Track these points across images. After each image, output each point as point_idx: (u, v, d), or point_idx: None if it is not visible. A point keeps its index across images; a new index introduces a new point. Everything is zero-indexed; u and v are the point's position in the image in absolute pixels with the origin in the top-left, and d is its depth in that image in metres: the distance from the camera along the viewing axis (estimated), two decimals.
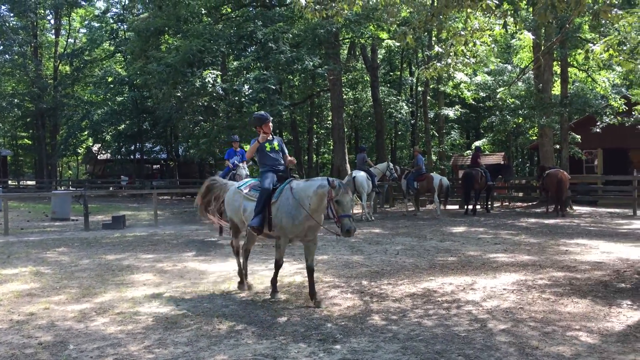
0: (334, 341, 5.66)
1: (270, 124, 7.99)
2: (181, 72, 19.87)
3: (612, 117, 22.33)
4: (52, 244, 13.54)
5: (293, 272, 9.55)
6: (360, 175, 17.68)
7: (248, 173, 12.93)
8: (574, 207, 21.61)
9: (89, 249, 12.64)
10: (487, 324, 6.12)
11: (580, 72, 26.01)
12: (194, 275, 9.37)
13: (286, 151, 8.11)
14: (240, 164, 13.04)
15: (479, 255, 10.68)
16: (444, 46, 9.51)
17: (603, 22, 21.75)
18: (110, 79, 39.57)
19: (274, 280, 7.63)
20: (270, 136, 7.91)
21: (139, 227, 17.60)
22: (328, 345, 5.55)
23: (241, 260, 8.28)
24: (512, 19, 8.53)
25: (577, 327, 5.88)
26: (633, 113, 22.26)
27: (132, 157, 44.69)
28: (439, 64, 9.64)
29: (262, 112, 8.29)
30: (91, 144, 48.91)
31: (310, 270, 7.31)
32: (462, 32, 8.54)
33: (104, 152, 47.30)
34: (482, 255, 10.67)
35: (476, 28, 8.08)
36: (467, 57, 10.25)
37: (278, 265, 7.56)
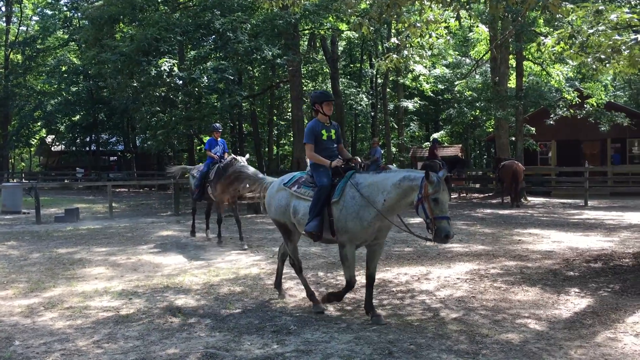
0: (287, 332, 5.63)
1: (332, 106, 6.65)
2: (136, 61, 19.44)
3: (565, 109, 22.87)
4: (1, 238, 13.11)
5: (250, 263, 9.49)
6: None
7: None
8: (529, 198, 22.10)
9: (40, 243, 12.29)
10: (440, 313, 6.20)
11: (535, 65, 26.53)
12: (148, 269, 9.21)
13: (342, 141, 6.85)
14: (240, 158, 11.66)
15: (434, 246, 10.76)
16: (400, 38, 9.53)
17: (557, 16, 22.26)
18: (64, 68, 38.49)
19: (333, 297, 6.36)
20: (328, 120, 6.60)
21: (93, 220, 17.21)
22: (282, 336, 5.52)
23: (303, 275, 7.03)
24: (465, 12, 8.59)
25: (526, 314, 6.00)
26: (585, 106, 22.83)
27: (87, 148, 43.70)
28: (395, 56, 9.68)
29: (324, 90, 7.09)
30: (44, 135, 47.60)
31: (370, 279, 6.18)
32: (418, 24, 8.58)
33: (58, 143, 46.07)
34: (437, 246, 10.77)
35: (431, 20, 8.12)
36: (424, 49, 10.34)
37: (349, 286, 6.15)
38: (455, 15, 8.57)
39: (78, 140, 42.83)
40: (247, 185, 10.78)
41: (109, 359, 5.06)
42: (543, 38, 9.11)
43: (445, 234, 5.36)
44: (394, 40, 9.49)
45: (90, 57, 23.65)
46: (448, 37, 10.18)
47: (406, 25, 8.42)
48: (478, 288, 7.23)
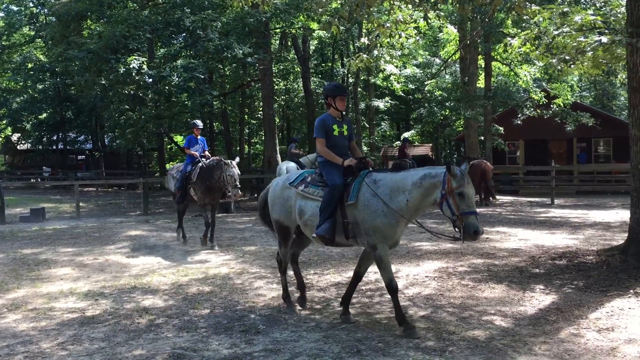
0: (256, 332, 5.61)
1: (346, 101, 6.20)
2: (104, 58, 19.13)
3: (533, 109, 23.26)
4: None
5: (219, 263, 9.43)
6: (291, 165, 17.67)
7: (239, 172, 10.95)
8: (497, 197, 22.38)
9: (4, 243, 12.02)
10: (408, 310, 6.24)
11: (504, 66, 26.93)
12: (115, 269, 9.08)
13: (354, 138, 6.45)
14: (230, 162, 10.85)
15: (404, 244, 10.86)
16: (370, 37, 9.58)
17: (524, 17, 22.63)
18: (30, 66, 37.68)
19: (399, 315, 5.53)
20: (340, 116, 6.17)
21: (59, 220, 16.90)
22: (250, 336, 5.50)
23: (287, 274, 6.76)
24: (434, 13, 8.67)
25: (493, 311, 6.08)
26: (552, 106, 23.26)
27: (54, 147, 42.86)
28: (365, 55, 9.72)
29: (338, 83, 6.63)
30: (10, 134, 46.49)
31: (357, 278, 6.04)
32: (387, 24, 8.62)
33: (24, 142, 45.05)
34: (407, 244, 10.87)
35: (400, 20, 8.18)
36: (394, 49, 10.40)
37: (392, 289, 5.56)
38: (423, 16, 8.65)
39: (45, 139, 41.96)
40: (237, 194, 10.51)
41: None
42: (510, 39, 9.25)
43: (475, 230, 5.01)
44: (364, 40, 9.51)
45: (57, 54, 23.19)
46: (417, 38, 10.26)
47: (376, 25, 8.46)
48: (446, 286, 7.30)
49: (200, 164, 11.13)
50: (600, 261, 8.09)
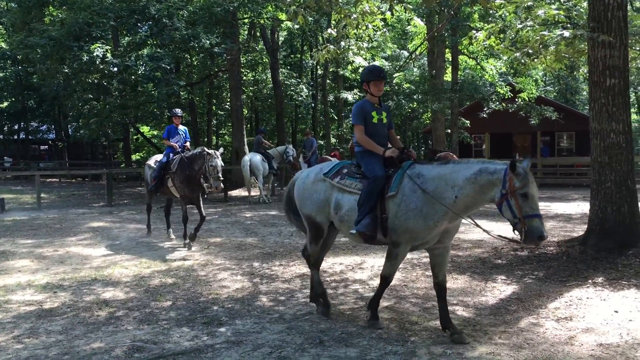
0: (218, 324, 5.55)
1: (383, 86, 5.67)
2: (67, 46, 18.68)
3: (498, 103, 23.57)
4: None
5: (183, 255, 9.31)
6: (256, 158, 17.58)
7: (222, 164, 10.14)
8: None
9: None
10: None
11: (470, 59, 27.20)
12: (76, 261, 8.89)
13: (393, 126, 5.88)
14: (213, 152, 10.07)
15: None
16: (337, 29, 9.53)
17: (491, 11, 22.87)
18: None
19: (374, 303, 5.41)
20: (378, 102, 5.68)
21: (20, 211, 16.49)
22: (212, 328, 5.44)
23: (316, 278, 6.01)
24: (400, 5, 8.68)
25: (455, 302, 6.13)
26: (517, 100, 23.61)
27: (16, 137, 41.85)
28: (332, 47, 9.68)
29: (374, 66, 5.88)
30: None
31: (442, 290, 5.22)
32: (354, 15, 8.60)
33: None
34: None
35: (367, 11, 8.15)
36: (362, 40, 10.37)
37: (386, 283, 5.37)
38: (388, 8, 8.65)
39: (6, 128, 40.95)
40: (219, 186, 9.93)
41: (29, 354, 4.85)
42: (475, 32, 9.31)
43: (539, 235, 4.46)
44: (330, 31, 9.46)
45: (17, 41, 22.55)
46: (384, 30, 10.24)
47: (342, 15, 8.42)
48: (410, 277, 7.34)
49: (180, 155, 10.46)
50: (560, 252, 8.24)
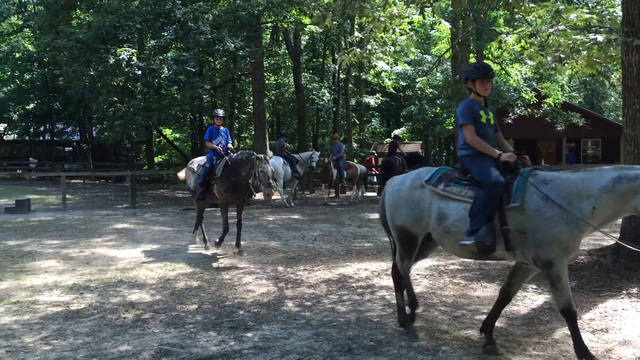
0: (245, 329, 5.50)
1: (489, 85, 5.16)
2: (93, 48, 18.88)
3: (524, 108, 23.28)
4: None
5: (208, 258, 9.29)
6: (276, 161, 17.55)
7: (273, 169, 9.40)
8: None
9: None
10: None
11: (495, 64, 26.94)
12: (101, 262, 8.92)
13: (499, 129, 5.36)
14: (262, 156, 9.27)
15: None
16: (363, 32, 9.46)
17: (516, 16, 22.63)
18: (17, 55, 37.21)
19: (580, 348, 4.48)
20: (483, 102, 5.20)
21: (45, 212, 16.66)
22: (239, 333, 5.39)
23: (404, 293, 5.50)
24: (429, 9, 8.58)
25: (485, 311, 5.98)
26: (542, 105, 23.30)
27: (41, 138, 42.43)
28: (358, 50, 9.61)
29: (480, 63, 5.48)
30: None
31: (507, 299, 5.03)
32: (382, 18, 8.52)
33: (10, 132, 44.55)
34: None
35: (395, 14, 8.07)
36: (387, 44, 10.29)
37: (572, 315, 4.48)
38: (418, 11, 8.56)
39: (31, 130, 41.55)
40: (270, 193, 9.08)
41: (57, 356, 4.84)
42: (504, 36, 9.17)
43: None
44: (357, 34, 9.39)
45: (45, 43, 22.86)
46: (411, 34, 10.16)
47: (370, 19, 8.35)
48: (437, 284, 7.22)
49: (226, 158, 9.69)
50: (592, 261, 8.05)
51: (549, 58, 8.51)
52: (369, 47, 9.81)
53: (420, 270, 8.03)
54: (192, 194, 11.05)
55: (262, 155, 9.20)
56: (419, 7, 8.11)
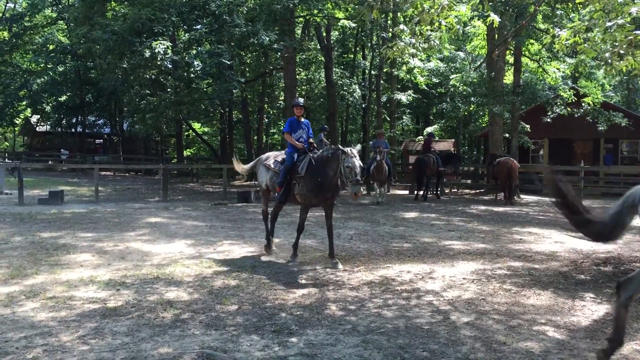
0: (289, 333, 5.24)
1: None
2: (129, 41, 18.81)
3: (563, 107, 22.62)
4: None
5: (243, 255, 9.06)
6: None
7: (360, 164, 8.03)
8: (521, 196, 21.87)
9: (22, 225, 11.75)
10: (450, 315, 5.82)
11: (532, 62, 26.26)
12: (136, 257, 8.75)
13: None
14: (349, 150, 7.98)
15: (434, 242, 10.45)
16: (409, 24, 9.12)
17: (558, 12, 21.97)
18: (51, 47, 37.66)
19: None
20: None
21: (78, 204, 16.66)
22: (283, 337, 5.13)
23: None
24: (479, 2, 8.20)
25: (543, 320, 5.64)
26: (582, 104, 22.60)
27: (73, 130, 42.92)
28: (402, 43, 9.27)
29: None
30: (29, 115, 46.62)
31: None
32: (430, 10, 8.17)
33: (43, 123, 45.20)
34: (437, 242, 10.45)
35: (445, 5, 7.71)
36: (430, 38, 9.92)
37: None
38: (468, 3, 8.18)
39: (64, 121, 42.07)
40: (359, 192, 7.83)
41: (96, 357, 4.64)
42: (558, 30, 8.73)
43: None
44: (402, 27, 9.05)
45: (79, 35, 22.91)
46: (458, 27, 9.78)
47: (420, 9, 8.00)
48: (487, 290, 6.86)
49: (310, 155, 8.52)
50: None
51: (607, 54, 8.08)
52: (412, 40, 9.46)
53: (466, 274, 7.68)
54: (264, 193, 9.68)
55: (348, 149, 7.99)
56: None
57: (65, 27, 38.93)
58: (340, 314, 5.90)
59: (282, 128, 36.84)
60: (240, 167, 10.77)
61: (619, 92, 39.56)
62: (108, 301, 6.24)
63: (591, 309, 6.03)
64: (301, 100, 9.37)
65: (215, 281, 7.22)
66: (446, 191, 23.99)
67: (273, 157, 9.51)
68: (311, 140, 9.03)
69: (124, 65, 21.83)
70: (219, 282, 7.20)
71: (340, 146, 8.23)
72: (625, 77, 29.08)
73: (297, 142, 8.84)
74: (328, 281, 7.35)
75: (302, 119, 9.12)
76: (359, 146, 8.49)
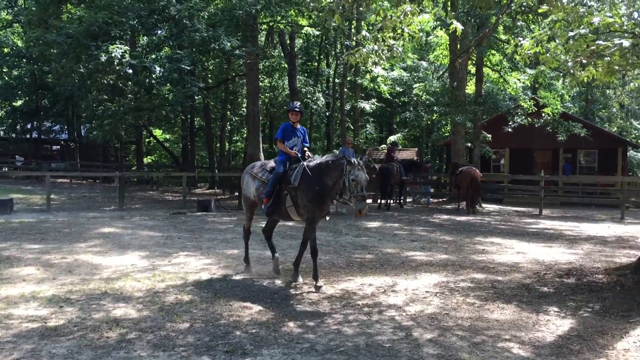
0: (243, 353, 4.92)
1: None
2: (84, 44, 18.17)
3: (524, 117, 22.86)
4: None
5: (199, 268, 8.68)
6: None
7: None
8: (483, 205, 21.96)
9: None
10: (412, 332, 5.58)
11: (493, 72, 26.52)
12: (85, 270, 8.29)
13: None
14: (354, 161, 7.26)
15: (396, 253, 10.25)
16: (371, 30, 8.93)
17: (518, 23, 22.21)
18: (6, 50, 36.41)
19: None
20: None
21: (28, 213, 15.96)
22: (236, 357, 4.81)
23: None
24: (440, 8, 8.06)
25: (507, 336, 5.45)
26: (542, 115, 22.90)
27: (28, 136, 41.61)
28: (365, 50, 9.07)
29: None
30: None
31: None
32: (393, 17, 7.99)
33: None
34: (400, 253, 10.25)
35: (408, 11, 7.54)
36: (393, 46, 9.76)
37: None
38: (431, 11, 8.04)
39: (18, 127, 40.74)
40: (364, 209, 7.01)
41: None
42: (521, 39, 8.66)
43: None
44: (364, 33, 8.86)
45: (34, 37, 22.09)
46: (421, 34, 9.64)
47: (382, 16, 7.81)
48: (450, 304, 6.65)
49: (304, 164, 7.65)
50: (612, 281, 7.54)
51: (569, 63, 8.02)
52: (375, 47, 9.27)
53: (429, 287, 7.47)
54: (249, 207, 8.71)
55: (353, 160, 7.26)
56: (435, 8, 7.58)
57: (20, 30, 37.74)
58: (298, 331, 5.60)
59: (244, 135, 36.50)
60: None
61: (577, 103, 40.35)
62: (49, 320, 5.81)
63: (556, 324, 5.87)
64: (297, 104, 8.39)
65: (168, 296, 6.84)
66: (408, 200, 23.95)
67: (260, 166, 8.58)
68: (306, 149, 8.16)
69: (81, 70, 21.14)
70: (171, 297, 6.82)
71: (344, 156, 7.51)
72: (583, 88, 29.63)
73: (291, 151, 7.96)
74: (287, 295, 7.05)
75: (298, 125, 8.21)
76: (365, 157, 7.89)
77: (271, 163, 8.31)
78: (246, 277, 8.03)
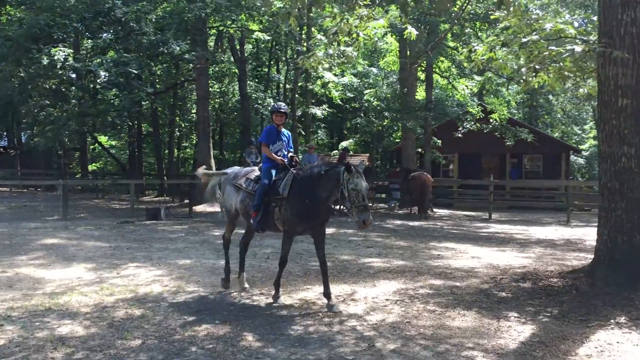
0: None
1: None
2: (25, 47, 17.38)
3: (473, 123, 23.28)
4: None
5: (150, 279, 8.32)
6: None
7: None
8: (434, 209, 22.17)
9: None
10: (375, 342, 5.44)
11: (442, 79, 26.97)
12: (26, 285, 7.81)
13: None
14: (354, 168, 6.51)
15: (353, 260, 10.13)
16: (327, 36, 8.83)
17: (467, 30, 22.62)
18: None
19: None
20: None
21: None
22: None
23: None
24: (396, 12, 8.03)
25: (471, 345, 5.38)
26: (491, 120, 23.37)
27: None
28: (320, 54, 8.95)
29: None
30: None
31: None
32: (349, 21, 7.90)
33: None
34: (356, 260, 10.14)
35: (364, 15, 7.45)
36: (347, 50, 9.68)
37: None
38: (384, 11, 7.99)
39: None
40: (368, 220, 6.25)
41: None
42: (474, 45, 8.71)
43: None
44: (320, 37, 8.74)
45: None
46: (376, 39, 9.59)
47: (338, 19, 7.70)
48: (411, 312, 6.55)
49: (292, 172, 7.04)
50: (567, 285, 7.61)
51: (523, 69, 8.11)
52: (330, 51, 9.17)
53: (389, 295, 7.37)
54: (231, 218, 8.06)
55: (352, 166, 6.53)
56: (385, 10, 7.52)
57: None
58: (257, 345, 5.38)
59: (194, 142, 35.86)
60: (203, 173, 8.96)
61: (522, 109, 41.45)
62: None
63: (517, 330, 5.84)
64: (283, 105, 7.68)
65: (117, 311, 6.49)
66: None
67: (243, 175, 7.77)
68: (291, 153, 7.53)
69: (21, 74, 20.25)
70: (121, 312, 6.47)
71: (340, 163, 7.03)
72: (528, 95, 30.45)
73: (276, 157, 7.31)
74: (243, 306, 6.81)
75: (283, 129, 7.59)
76: (365, 162, 7.48)
77: (256, 172, 7.68)
78: (200, 289, 7.73)
